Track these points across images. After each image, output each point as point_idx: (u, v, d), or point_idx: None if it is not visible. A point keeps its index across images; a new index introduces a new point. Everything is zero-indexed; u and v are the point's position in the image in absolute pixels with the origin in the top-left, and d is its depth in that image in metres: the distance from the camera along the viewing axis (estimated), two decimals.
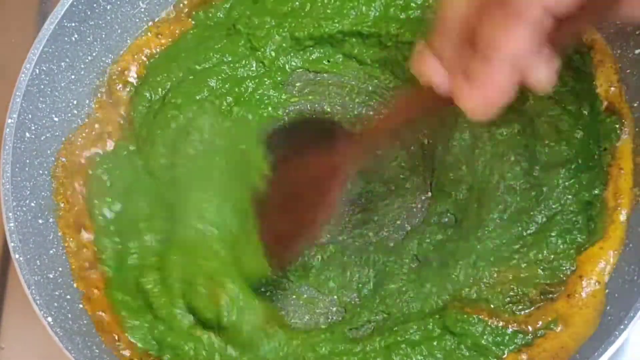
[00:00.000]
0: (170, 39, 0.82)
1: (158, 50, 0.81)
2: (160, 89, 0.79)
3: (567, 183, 0.72)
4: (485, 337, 0.68)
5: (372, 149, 0.68)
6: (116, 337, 0.71)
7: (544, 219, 0.72)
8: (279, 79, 0.82)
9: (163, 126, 0.77)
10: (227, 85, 0.79)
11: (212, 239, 0.73)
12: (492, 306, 0.70)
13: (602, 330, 0.66)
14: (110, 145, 0.78)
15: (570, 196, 0.72)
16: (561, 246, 0.71)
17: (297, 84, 0.83)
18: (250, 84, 0.80)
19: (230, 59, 0.80)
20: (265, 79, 0.81)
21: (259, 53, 0.80)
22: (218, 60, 0.80)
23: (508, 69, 0.47)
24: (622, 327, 0.63)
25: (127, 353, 0.70)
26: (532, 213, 0.72)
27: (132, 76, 0.80)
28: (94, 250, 0.74)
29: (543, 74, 0.48)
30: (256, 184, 0.73)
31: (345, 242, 0.78)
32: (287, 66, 0.82)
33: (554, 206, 0.72)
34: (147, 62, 0.81)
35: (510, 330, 0.69)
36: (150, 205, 0.75)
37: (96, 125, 0.78)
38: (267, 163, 0.73)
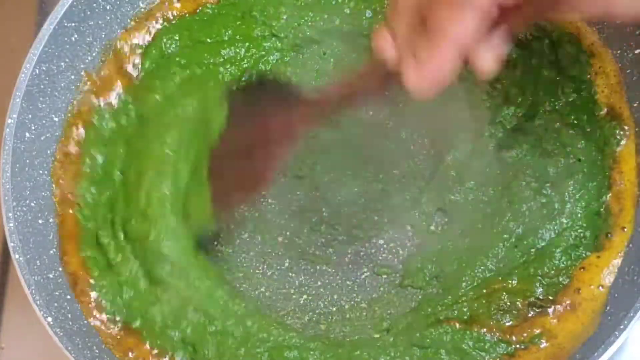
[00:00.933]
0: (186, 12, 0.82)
1: (175, 14, 0.81)
2: (166, 50, 0.79)
3: (577, 195, 0.72)
4: (465, 341, 0.68)
5: (327, 114, 0.69)
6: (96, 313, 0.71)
7: (553, 235, 0.72)
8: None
9: (163, 78, 0.77)
10: (248, 53, 0.79)
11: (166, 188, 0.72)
12: (479, 313, 0.70)
13: (602, 330, 0.66)
14: (112, 97, 0.78)
15: (580, 210, 0.72)
16: (564, 262, 0.71)
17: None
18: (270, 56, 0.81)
19: (241, 38, 0.80)
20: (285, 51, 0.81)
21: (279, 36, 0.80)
22: (230, 38, 0.80)
23: (453, 52, 0.49)
24: (622, 327, 0.63)
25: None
26: (540, 232, 0.72)
27: (142, 39, 0.80)
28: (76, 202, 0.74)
29: (488, 59, 0.50)
30: (214, 138, 0.72)
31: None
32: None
33: (565, 221, 0.72)
34: (159, 28, 0.81)
35: (494, 338, 0.69)
36: (128, 154, 0.74)
37: (101, 80, 0.78)
38: (226, 120, 0.72)
